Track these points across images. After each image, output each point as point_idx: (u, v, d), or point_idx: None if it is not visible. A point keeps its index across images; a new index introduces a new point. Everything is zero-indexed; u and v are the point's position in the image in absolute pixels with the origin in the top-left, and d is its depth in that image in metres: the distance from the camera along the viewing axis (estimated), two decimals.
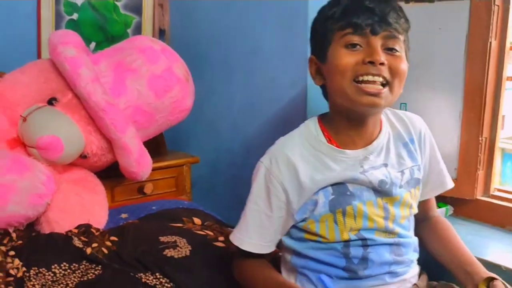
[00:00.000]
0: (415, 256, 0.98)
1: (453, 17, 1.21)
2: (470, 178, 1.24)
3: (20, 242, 1.12)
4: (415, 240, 0.98)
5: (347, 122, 0.92)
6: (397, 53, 0.87)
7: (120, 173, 1.38)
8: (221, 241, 1.18)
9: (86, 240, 1.15)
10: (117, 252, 1.11)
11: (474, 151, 1.23)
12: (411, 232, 0.98)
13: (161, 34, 1.86)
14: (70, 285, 0.99)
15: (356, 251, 0.91)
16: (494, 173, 1.27)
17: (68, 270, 1.04)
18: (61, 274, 1.03)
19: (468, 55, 1.20)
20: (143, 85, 1.35)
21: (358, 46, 0.86)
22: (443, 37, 1.23)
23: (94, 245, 1.13)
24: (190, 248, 1.11)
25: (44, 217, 1.20)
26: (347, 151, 0.92)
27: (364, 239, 0.91)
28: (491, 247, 1.15)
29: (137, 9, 1.80)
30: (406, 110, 1.21)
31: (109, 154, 1.34)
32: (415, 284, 0.96)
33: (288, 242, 0.97)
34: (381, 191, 0.92)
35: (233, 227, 1.26)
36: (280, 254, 1.03)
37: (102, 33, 1.74)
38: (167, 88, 1.38)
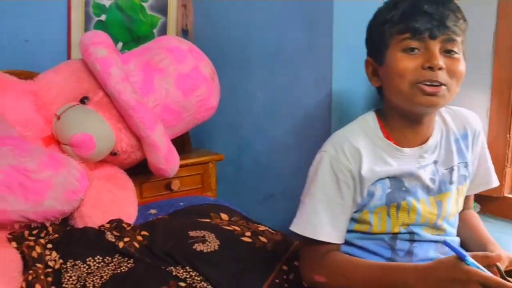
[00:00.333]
0: None
1: (481, 13, 1.21)
2: (498, 175, 1.21)
3: (56, 235, 1.16)
4: (458, 240, 0.99)
5: (403, 121, 0.93)
6: (456, 55, 0.87)
7: (148, 170, 1.42)
8: (247, 236, 1.19)
9: (118, 234, 1.18)
10: (148, 246, 1.14)
11: (502, 148, 1.22)
12: (455, 230, 0.99)
13: (184, 34, 1.88)
14: (105, 277, 1.02)
15: (402, 244, 0.93)
16: None
17: (102, 263, 1.08)
18: (95, 267, 1.06)
19: (496, 51, 1.20)
20: (170, 84, 1.37)
21: (416, 50, 0.86)
22: (471, 33, 1.21)
23: (126, 239, 1.16)
24: (219, 243, 1.13)
25: (78, 212, 1.23)
26: (404, 149, 0.94)
27: (412, 233, 0.93)
28: None
29: (163, 10, 1.83)
30: None
31: (138, 151, 1.38)
32: None
33: None
34: (433, 189, 0.94)
35: (258, 223, 1.27)
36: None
37: (129, 33, 1.77)
38: (194, 86, 1.41)
